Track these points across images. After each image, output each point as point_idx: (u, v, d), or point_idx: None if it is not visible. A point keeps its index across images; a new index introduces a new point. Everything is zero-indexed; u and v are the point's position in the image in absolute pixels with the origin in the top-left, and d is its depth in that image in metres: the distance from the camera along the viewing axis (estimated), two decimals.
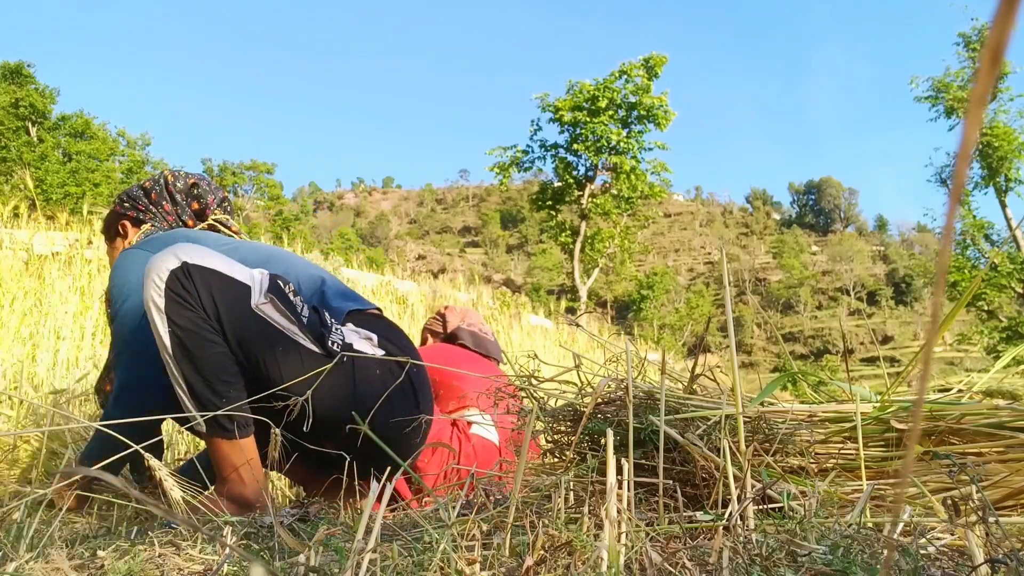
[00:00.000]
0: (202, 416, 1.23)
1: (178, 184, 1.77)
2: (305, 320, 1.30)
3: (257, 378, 1.28)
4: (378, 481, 0.75)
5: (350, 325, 1.43)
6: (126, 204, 1.76)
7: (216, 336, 1.24)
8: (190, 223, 1.76)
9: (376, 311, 1.54)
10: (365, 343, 1.39)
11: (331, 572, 0.73)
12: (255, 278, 1.28)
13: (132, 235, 1.75)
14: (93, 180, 22.27)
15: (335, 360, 1.29)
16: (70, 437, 2.02)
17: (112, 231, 1.79)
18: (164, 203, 1.75)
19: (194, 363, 1.23)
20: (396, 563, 0.73)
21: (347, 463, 1.17)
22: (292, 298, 1.31)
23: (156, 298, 1.23)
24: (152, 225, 1.73)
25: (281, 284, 1.31)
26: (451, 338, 2.28)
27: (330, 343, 1.29)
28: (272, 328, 1.26)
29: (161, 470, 1.08)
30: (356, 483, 1.33)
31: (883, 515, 0.97)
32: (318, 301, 1.46)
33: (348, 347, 1.33)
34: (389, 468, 0.99)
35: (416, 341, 2.58)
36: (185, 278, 1.22)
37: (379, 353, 1.39)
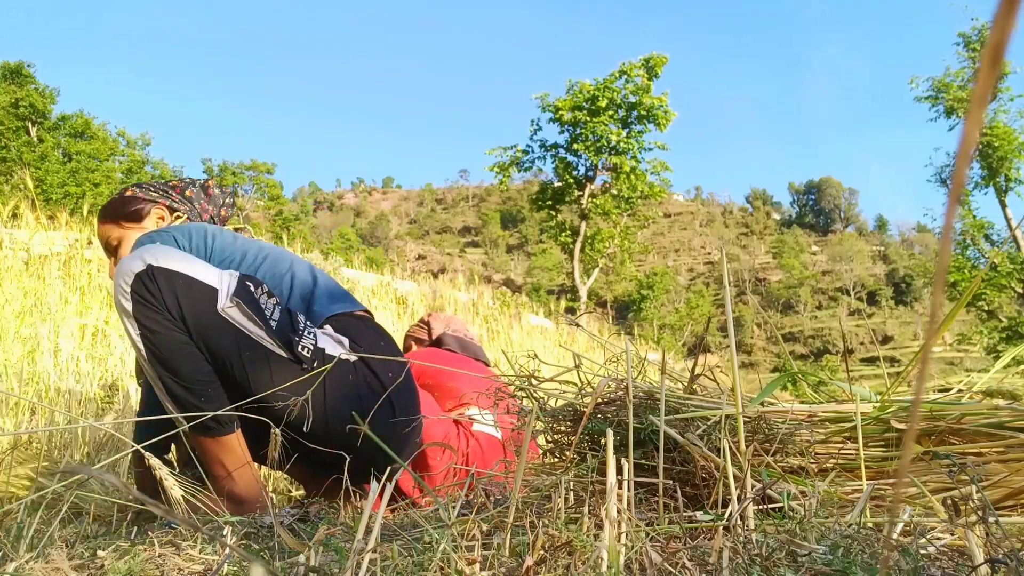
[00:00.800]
0: (179, 416, 1.23)
1: (215, 190, 1.79)
2: (274, 324, 1.27)
3: (226, 382, 1.26)
4: (378, 481, 0.75)
5: (328, 328, 1.40)
6: (153, 192, 1.70)
7: (185, 337, 1.23)
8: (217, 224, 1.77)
9: (363, 313, 1.51)
10: (337, 348, 1.35)
11: (331, 572, 0.73)
12: (223, 280, 1.27)
13: (153, 221, 1.68)
14: (93, 180, 22.28)
15: (325, 368, 1.27)
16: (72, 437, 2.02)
17: (133, 216, 1.68)
18: (202, 201, 1.75)
19: (167, 365, 1.22)
20: (396, 563, 0.73)
21: (331, 467, 1.16)
22: (266, 300, 1.29)
23: (124, 302, 1.22)
24: (188, 218, 1.71)
25: (251, 286, 1.29)
26: (437, 344, 2.27)
27: (300, 348, 1.26)
28: (238, 332, 1.24)
29: (161, 469, 1.08)
30: (348, 486, 1.33)
31: (883, 515, 0.97)
32: (305, 303, 1.45)
33: (320, 352, 1.30)
34: (389, 470, 0.99)
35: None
36: (150, 280, 1.21)
37: (353, 357, 1.35)
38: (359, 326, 1.45)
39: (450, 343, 2.23)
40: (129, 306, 1.21)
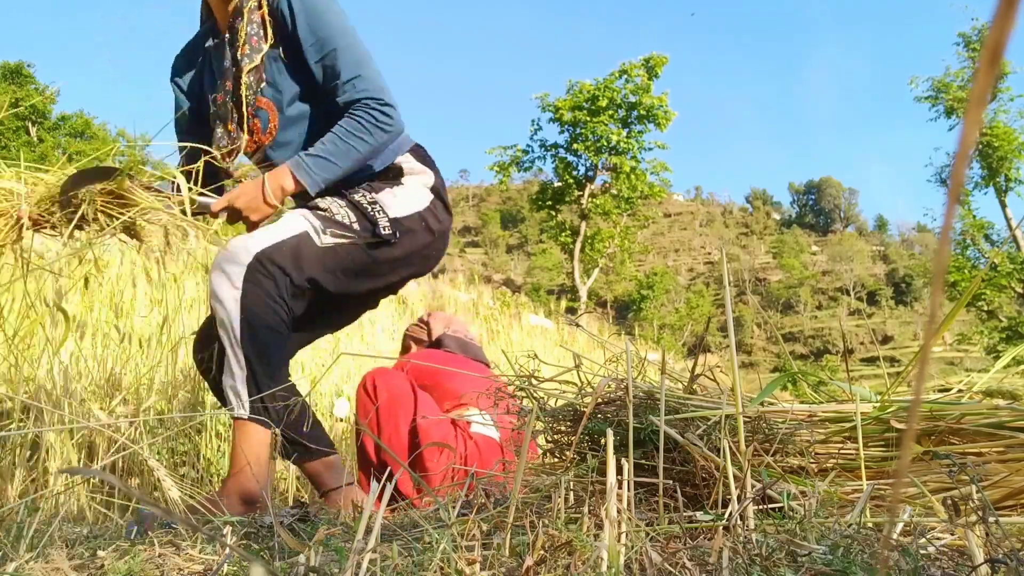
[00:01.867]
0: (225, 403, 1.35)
1: None
2: (357, 227, 1.46)
3: (355, 298, 1.57)
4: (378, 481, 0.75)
5: (410, 157, 1.61)
6: None
7: (284, 327, 1.37)
8: None
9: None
10: (419, 182, 1.59)
11: (331, 572, 0.73)
12: (305, 222, 1.43)
13: None
14: None
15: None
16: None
17: None
18: None
19: (260, 349, 1.34)
20: (396, 563, 0.73)
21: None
22: (336, 212, 1.46)
23: (231, 290, 1.33)
24: None
25: (323, 211, 1.45)
26: (436, 345, 2.26)
27: (382, 231, 1.47)
28: (344, 248, 1.44)
29: (160, 470, 1.09)
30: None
31: (883, 515, 0.97)
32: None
33: (396, 222, 1.50)
34: (388, 470, 0.98)
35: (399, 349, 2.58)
36: (261, 266, 1.35)
37: (428, 199, 1.58)
38: (427, 156, 1.67)
39: (450, 344, 2.22)
40: (238, 293, 1.33)
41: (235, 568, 0.80)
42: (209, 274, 1.38)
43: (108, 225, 1.35)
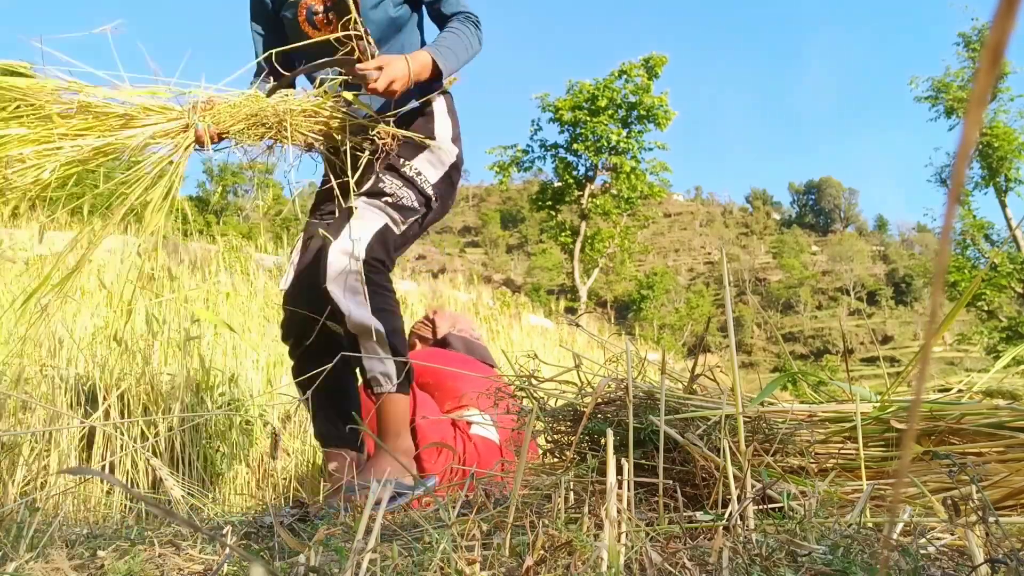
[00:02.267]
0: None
1: None
2: (417, 204, 1.62)
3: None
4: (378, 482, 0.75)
5: (442, 101, 1.72)
6: None
7: (402, 316, 1.56)
8: None
9: None
10: (445, 126, 1.71)
11: (331, 572, 0.73)
12: (383, 214, 1.57)
13: None
14: (93, 180, 22.27)
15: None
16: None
17: None
18: None
19: (396, 340, 1.49)
20: (396, 563, 0.73)
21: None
22: (400, 194, 1.60)
23: (356, 295, 1.47)
24: None
25: (391, 199, 1.59)
26: (442, 344, 2.25)
27: (433, 200, 1.64)
28: (410, 227, 1.62)
29: (162, 469, 1.09)
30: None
31: (883, 515, 0.97)
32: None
33: (437, 187, 1.66)
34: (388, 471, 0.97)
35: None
36: (371, 265, 1.50)
37: (454, 153, 1.71)
38: (453, 103, 1.79)
39: (455, 344, 2.21)
40: (362, 297, 1.47)
41: (235, 568, 0.80)
42: (327, 286, 1.49)
43: (301, 142, 1.50)
